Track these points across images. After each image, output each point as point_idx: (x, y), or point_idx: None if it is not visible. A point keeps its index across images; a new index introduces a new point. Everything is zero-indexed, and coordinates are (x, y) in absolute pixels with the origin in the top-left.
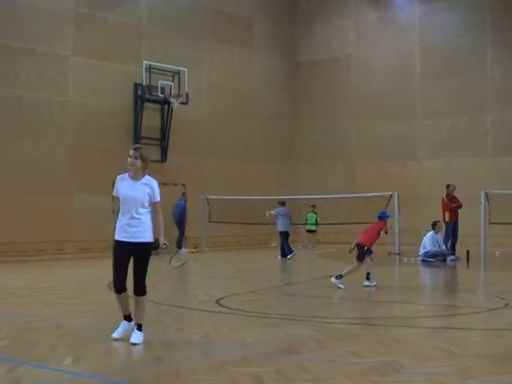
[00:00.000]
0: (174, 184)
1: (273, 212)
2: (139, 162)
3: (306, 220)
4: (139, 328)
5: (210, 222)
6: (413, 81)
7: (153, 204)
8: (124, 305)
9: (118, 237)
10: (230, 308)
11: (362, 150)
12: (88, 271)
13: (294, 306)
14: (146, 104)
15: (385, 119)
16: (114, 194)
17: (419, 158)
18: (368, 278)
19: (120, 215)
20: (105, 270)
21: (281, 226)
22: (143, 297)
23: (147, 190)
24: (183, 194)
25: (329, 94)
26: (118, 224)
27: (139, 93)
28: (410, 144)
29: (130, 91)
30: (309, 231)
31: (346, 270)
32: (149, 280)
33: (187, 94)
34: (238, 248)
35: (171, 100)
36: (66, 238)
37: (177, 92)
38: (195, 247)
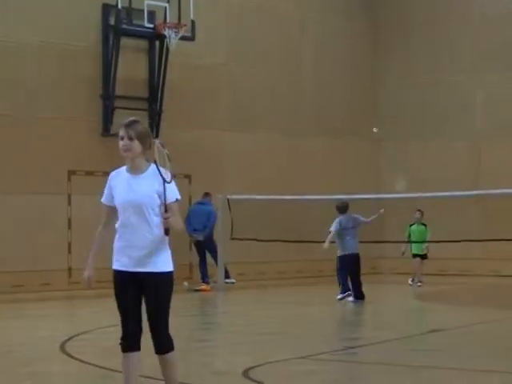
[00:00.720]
0: (172, 175)
1: (332, 229)
2: (136, 143)
3: (409, 236)
4: None
5: (232, 239)
6: None
7: (166, 206)
8: (130, 375)
9: (117, 265)
10: None
11: (489, 120)
12: (23, 323)
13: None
14: (125, 40)
15: None
16: (104, 200)
17: None
18: None
19: (118, 231)
20: (51, 321)
21: (349, 245)
22: (172, 353)
23: (156, 185)
24: (206, 194)
25: (436, 28)
26: (117, 245)
27: (112, 22)
28: None
29: (97, 20)
30: (416, 255)
31: None
32: None
33: (193, 24)
34: (281, 283)
35: (166, 33)
36: None
37: (175, 20)
38: (207, 281)
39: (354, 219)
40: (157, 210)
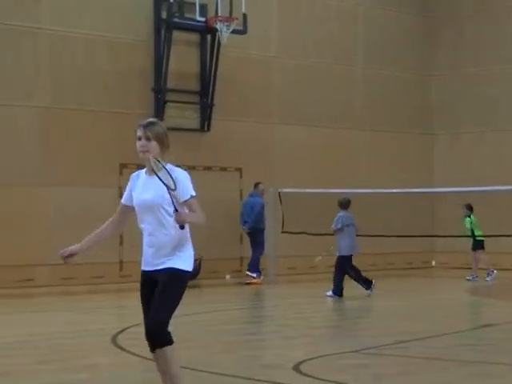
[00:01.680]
0: (223, 169)
1: (334, 226)
2: (154, 144)
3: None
4: None
5: (283, 232)
6: None
7: (182, 204)
8: (162, 373)
9: (142, 266)
10: (318, 379)
11: None
12: (74, 316)
13: (433, 379)
14: (176, 34)
15: None
16: (123, 201)
17: None
18: None
19: (142, 233)
20: (102, 313)
21: (350, 245)
22: (165, 349)
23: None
24: (257, 184)
25: (486, 19)
26: (143, 247)
27: (164, 16)
28: None
29: (149, 13)
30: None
31: None
32: (179, 331)
33: (245, 17)
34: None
35: (218, 27)
36: (36, 261)
37: (227, 13)
38: (258, 275)
39: (354, 218)
40: (170, 209)
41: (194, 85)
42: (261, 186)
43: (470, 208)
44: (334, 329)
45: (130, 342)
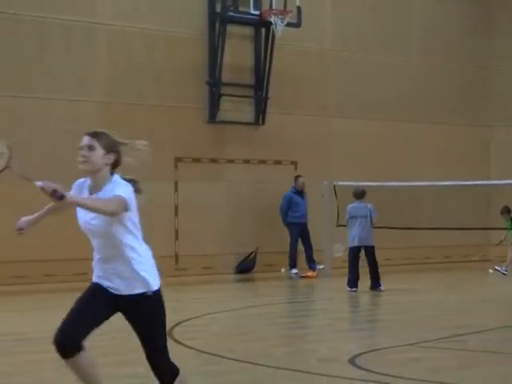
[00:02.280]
0: (278, 162)
1: (348, 216)
2: (97, 154)
3: None
4: None
5: (338, 226)
6: None
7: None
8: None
9: (97, 279)
10: (373, 372)
11: None
12: None
13: (491, 373)
14: (231, 28)
15: None
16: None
17: None
18: None
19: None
20: None
21: (354, 236)
22: (176, 381)
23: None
24: (296, 177)
25: None
26: (94, 258)
27: (218, 9)
28: None
29: (204, 7)
30: None
31: None
32: (235, 324)
33: (299, 10)
34: (388, 269)
35: (272, 20)
36: (90, 255)
37: (281, 7)
38: (313, 268)
39: (368, 208)
40: (128, 227)
41: (249, 78)
42: (300, 179)
43: (509, 211)
44: (389, 322)
45: (185, 335)
